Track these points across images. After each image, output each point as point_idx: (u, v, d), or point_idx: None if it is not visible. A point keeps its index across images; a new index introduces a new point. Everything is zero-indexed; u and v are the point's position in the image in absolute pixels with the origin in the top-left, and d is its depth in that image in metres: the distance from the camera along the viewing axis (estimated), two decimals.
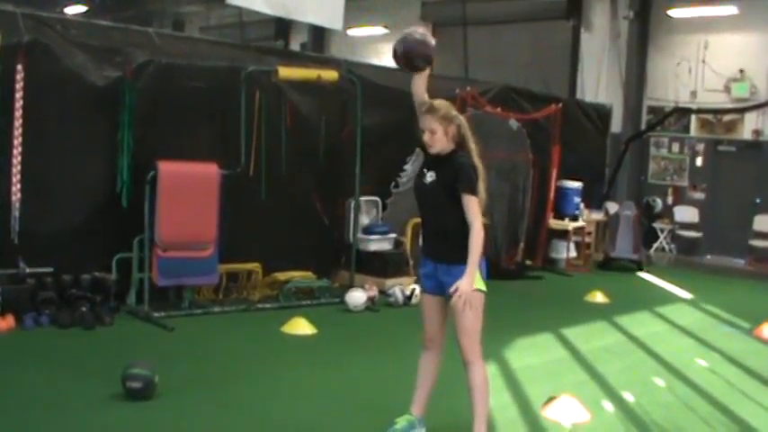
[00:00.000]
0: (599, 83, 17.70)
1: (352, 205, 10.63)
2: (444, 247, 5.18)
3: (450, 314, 5.20)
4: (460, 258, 4.99)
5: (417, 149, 10.55)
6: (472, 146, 5.21)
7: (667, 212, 16.91)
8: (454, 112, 5.25)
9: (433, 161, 5.23)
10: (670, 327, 10.08)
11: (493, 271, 5.27)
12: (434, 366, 5.48)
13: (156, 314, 8.57)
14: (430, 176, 5.21)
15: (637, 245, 14.93)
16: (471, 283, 4.94)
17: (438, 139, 5.15)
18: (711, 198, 16.56)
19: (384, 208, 11.48)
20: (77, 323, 8.01)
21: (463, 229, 5.00)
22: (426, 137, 5.18)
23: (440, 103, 5.28)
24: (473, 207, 5.00)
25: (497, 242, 12.91)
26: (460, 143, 5.19)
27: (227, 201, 9.04)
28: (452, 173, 5.09)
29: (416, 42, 5.27)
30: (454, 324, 5.18)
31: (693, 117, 16.65)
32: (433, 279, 5.26)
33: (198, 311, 8.99)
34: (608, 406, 6.62)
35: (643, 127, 17.10)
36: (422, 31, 5.33)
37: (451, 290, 4.91)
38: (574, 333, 9.24)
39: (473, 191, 5.03)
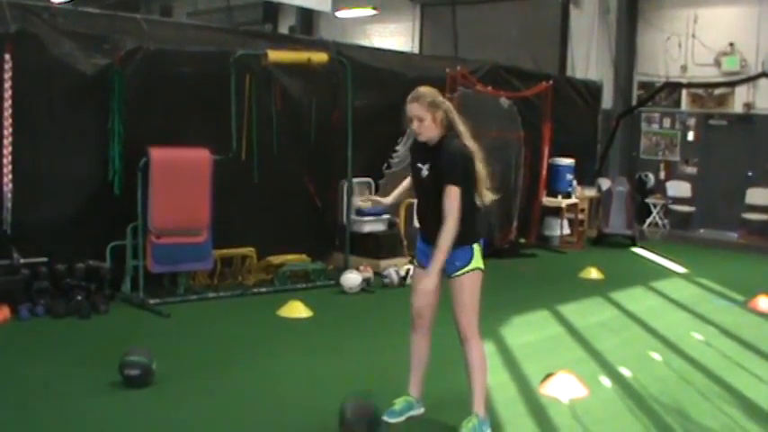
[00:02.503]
0: (589, 59, 17.68)
1: (345, 187, 10.62)
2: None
3: (450, 292, 5.21)
4: (459, 242, 5.04)
5: (408, 131, 10.59)
6: (461, 128, 5.20)
7: (660, 188, 16.94)
8: (440, 98, 5.24)
9: (425, 152, 5.22)
10: (665, 301, 10.12)
11: (487, 249, 5.27)
12: (425, 346, 5.51)
13: (151, 301, 8.57)
14: (426, 170, 5.20)
15: (630, 220, 14.96)
16: (434, 279, 5.03)
17: (426, 127, 5.14)
18: (703, 172, 16.58)
19: (377, 189, 11.48)
20: (72, 312, 8.00)
21: (462, 215, 5.01)
22: (415, 125, 5.16)
23: (425, 89, 5.25)
24: (452, 199, 4.98)
25: (490, 221, 12.91)
26: (449, 127, 5.18)
27: (220, 186, 9.01)
28: (441, 161, 5.09)
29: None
30: (452, 302, 5.20)
31: (684, 92, 16.64)
32: (429, 257, 5.24)
33: (193, 297, 8.99)
34: (605, 381, 6.66)
35: (634, 102, 17.09)
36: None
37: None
38: (569, 310, 9.27)
39: (456, 182, 5.01)
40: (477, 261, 5.18)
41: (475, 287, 5.20)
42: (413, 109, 5.17)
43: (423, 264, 5.35)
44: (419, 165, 5.26)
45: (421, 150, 5.28)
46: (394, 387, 5.70)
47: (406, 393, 5.52)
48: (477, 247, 5.22)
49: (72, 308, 8.04)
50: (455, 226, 4.97)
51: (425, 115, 5.12)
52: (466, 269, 5.16)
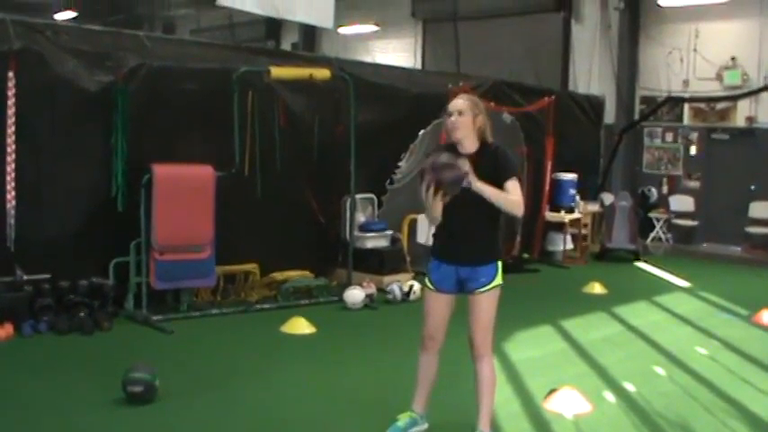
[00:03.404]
0: (591, 74, 17.70)
1: (348, 203, 10.62)
2: (471, 249, 5.14)
3: (469, 309, 5.19)
4: (488, 259, 5.05)
5: (411, 146, 10.60)
6: (491, 142, 5.22)
7: (663, 202, 16.91)
8: (483, 105, 5.27)
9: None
10: (669, 316, 10.10)
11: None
12: (434, 364, 5.47)
13: (154, 318, 8.56)
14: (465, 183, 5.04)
15: (633, 235, 14.95)
16: (477, 185, 4.93)
17: (464, 123, 5.12)
18: (706, 186, 16.56)
19: (380, 205, 11.48)
20: (76, 329, 8.00)
21: (491, 229, 5.03)
22: (453, 117, 5.13)
23: (471, 95, 5.40)
24: (516, 191, 5.02)
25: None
26: (484, 139, 5.18)
27: (223, 202, 9.02)
28: (492, 164, 5.05)
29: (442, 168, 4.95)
30: (470, 318, 5.18)
31: (686, 106, 16.64)
32: (450, 279, 5.21)
33: (196, 314, 8.98)
34: (609, 397, 6.64)
35: (636, 117, 17.10)
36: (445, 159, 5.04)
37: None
38: (573, 325, 9.25)
39: (515, 174, 5.06)
40: (500, 278, 5.19)
41: (495, 304, 5.19)
42: (457, 104, 5.18)
43: (440, 287, 5.28)
44: None
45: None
46: (398, 403, 5.68)
47: (411, 409, 5.50)
48: (500, 264, 5.22)
49: (75, 324, 8.03)
50: (521, 206, 5.01)
51: (466, 110, 5.13)
52: (490, 286, 5.14)
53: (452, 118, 5.15)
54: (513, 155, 5.10)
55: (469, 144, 5.16)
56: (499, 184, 4.99)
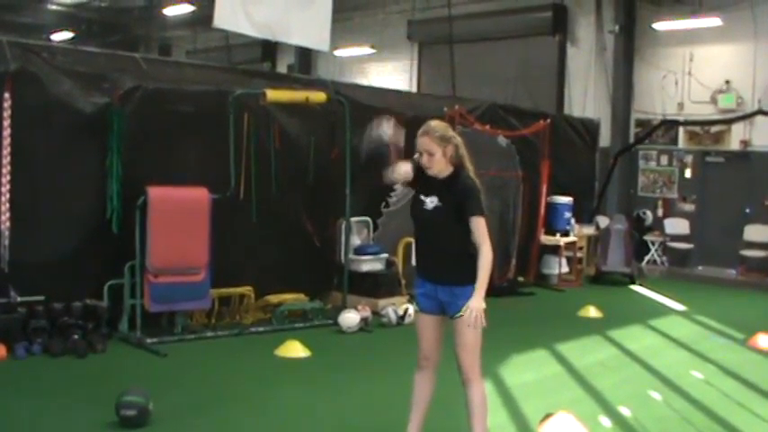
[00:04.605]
0: (586, 97, 17.80)
1: (343, 226, 10.61)
2: (447, 270, 5.13)
3: (453, 333, 5.17)
4: (464, 280, 5.00)
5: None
6: (469, 165, 5.20)
7: (658, 225, 16.95)
8: (451, 133, 5.22)
9: (432, 186, 5.17)
10: (664, 339, 10.08)
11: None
12: (429, 386, 5.44)
13: (148, 340, 8.52)
14: (431, 202, 5.13)
15: (628, 258, 14.95)
16: (481, 301, 4.90)
17: (436, 161, 5.11)
18: (701, 209, 16.60)
19: (375, 228, 11.47)
20: (69, 351, 7.96)
21: (467, 251, 5.00)
22: (424, 159, 5.13)
23: (437, 123, 5.24)
24: (482, 229, 4.98)
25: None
26: (458, 164, 5.17)
27: (218, 225, 9.01)
28: (458, 195, 5.05)
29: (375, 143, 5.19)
30: (455, 342, 5.15)
31: (681, 129, 16.71)
32: (432, 299, 5.22)
33: (190, 337, 8.94)
34: (605, 421, 6.61)
35: (631, 140, 17.15)
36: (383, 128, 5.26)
37: (464, 310, 4.88)
38: (568, 348, 9.23)
39: (482, 212, 5.01)
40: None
41: (479, 327, 5.16)
42: (423, 143, 5.14)
43: (425, 309, 5.29)
44: (422, 197, 5.20)
45: (426, 184, 5.21)
46: (393, 427, 5.66)
47: None
48: None
49: (69, 347, 8.00)
50: (490, 249, 4.96)
51: (436, 149, 5.10)
52: None
53: (423, 159, 5.15)
54: (479, 190, 5.06)
55: (443, 172, 5.18)
56: (464, 219, 5.00)
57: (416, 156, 5.20)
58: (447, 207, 5.06)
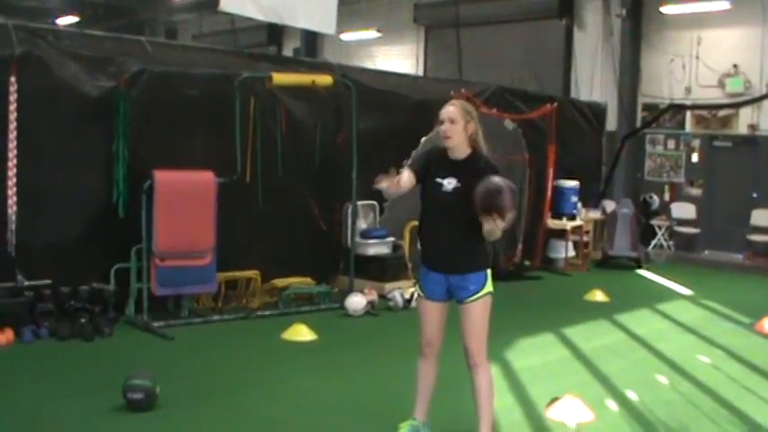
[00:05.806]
0: (593, 81, 17.72)
1: (350, 210, 10.60)
2: (460, 257, 5.13)
3: (461, 318, 5.17)
4: (477, 266, 5.04)
5: (413, 153, 10.57)
6: (484, 149, 5.20)
7: (664, 209, 16.90)
8: (475, 114, 5.24)
9: (449, 167, 5.15)
10: (671, 324, 10.07)
11: (492, 272, 5.24)
12: (433, 371, 5.45)
13: (155, 324, 8.54)
14: (449, 183, 5.12)
15: (635, 242, 14.93)
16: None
17: (457, 131, 5.11)
18: (708, 194, 16.55)
19: (381, 212, 11.46)
20: (76, 335, 7.99)
21: (474, 235, 4.99)
22: (445, 126, 5.13)
23: (463, 101, 5.33)
24: None
25: (495, 243, 12.87)
26: (475, 146, 5.17)
27: (225, 208, 9.01)
28: (481, 172, 5.00)
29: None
30: (463, 327, 5.16)
31: (688, 113, 16.63)
32: (441, 287, 5.21)
33: (197, 320, 8.96)
34: (612, 405, 6.61)
35: (638, 124, 17.09)
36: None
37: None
38: (575, 332, 9.23)
39: None
40: (490, 285, 5.18)
41: (487, 312, 5.18)
42: (448, 111, 5.16)
43: (430, 295, 5.29)
44: (439, 180, 5.17)
45: (441, 167, 5.20)
46: (399, 410, 5.66)
47: (412, 417, 5.47)
48: (489, 272, 5.20)
49: (76, 330, 8.02)
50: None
51: (459, 119, 5.12)
52: (480, 294, 5.13)
53: (444, 126, 5.15)
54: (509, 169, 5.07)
55: (461, 151, 5.17)
56: None
57: (438, 126, 5.21)
58: (466, 188, 5.00)
